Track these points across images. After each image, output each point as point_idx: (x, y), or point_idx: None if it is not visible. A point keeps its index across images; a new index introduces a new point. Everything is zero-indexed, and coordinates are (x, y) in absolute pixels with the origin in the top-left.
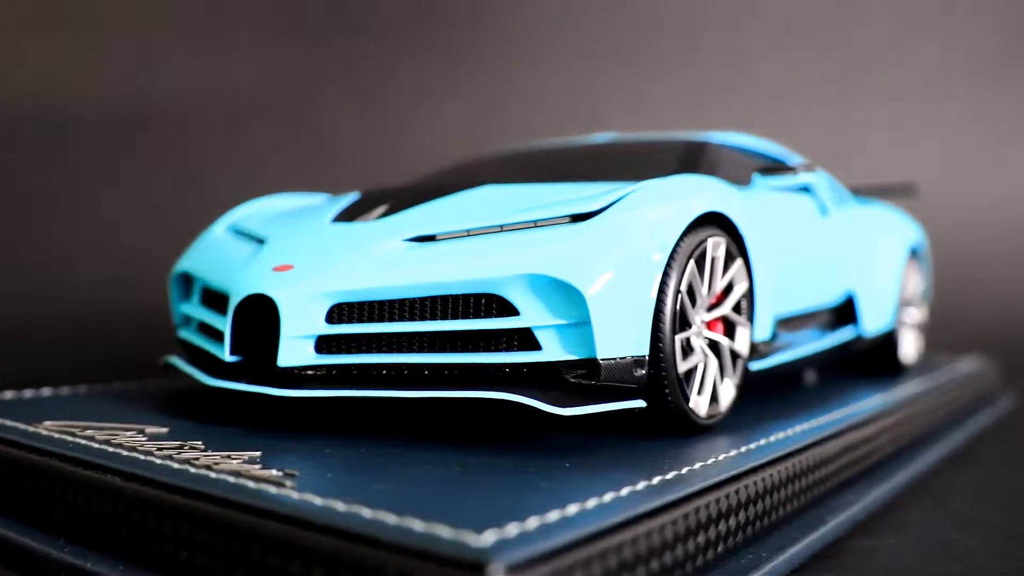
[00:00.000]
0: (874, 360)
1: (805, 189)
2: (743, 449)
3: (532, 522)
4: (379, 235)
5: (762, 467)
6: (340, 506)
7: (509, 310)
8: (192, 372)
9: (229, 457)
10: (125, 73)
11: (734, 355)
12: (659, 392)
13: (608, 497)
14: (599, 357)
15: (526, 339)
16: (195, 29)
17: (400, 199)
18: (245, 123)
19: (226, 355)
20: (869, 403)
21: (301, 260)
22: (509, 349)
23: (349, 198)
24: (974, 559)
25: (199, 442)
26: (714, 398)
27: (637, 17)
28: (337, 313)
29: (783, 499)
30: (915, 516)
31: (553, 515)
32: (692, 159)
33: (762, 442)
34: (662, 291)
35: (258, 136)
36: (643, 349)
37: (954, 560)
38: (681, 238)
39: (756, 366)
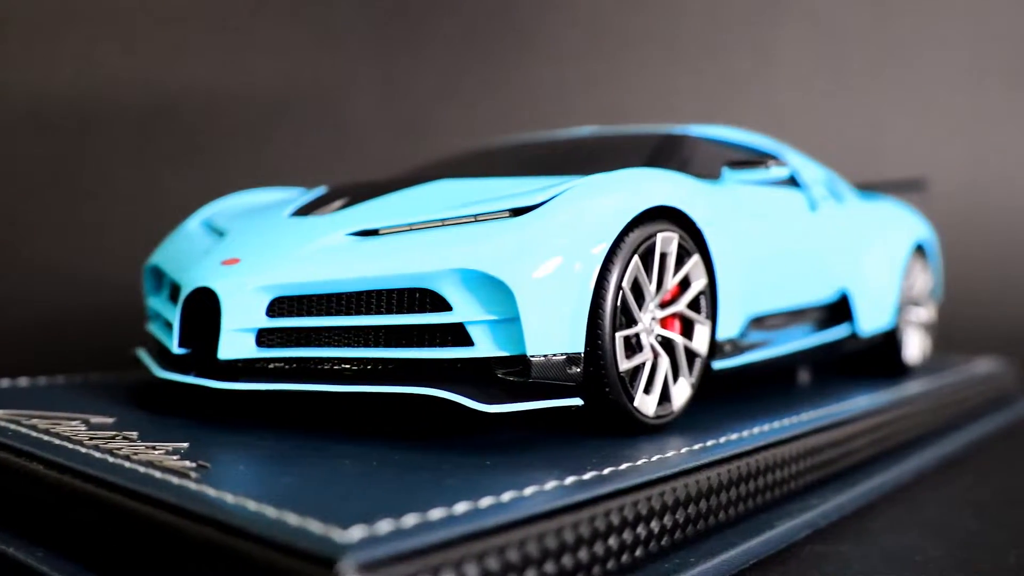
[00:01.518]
0: (876, 360)
1: (794, 183)
2: (684, 450)
3: (409, 519)
4: (325, 229)
5: (698, 469)
6: (229, 498)
7: (443, 305)
8: (148, 364)
9: (153, 448)
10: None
11: (691, 354)
12: (599, 391)
13: (507, 496)
14: (529, 354)
15: (459, 335)
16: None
17: (358, 193)
18: (272, 119)
19: (174, 347)
20: (848, 405)
21: (248, 254)
22: (443, 345)
23: (315, 193)
24: (929, 569)
25: (135, 432)
26: (666, 398)
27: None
28: (278, 306)
29: (725, 502)
30: (883, 523)
31: (436, 513)
32: (664, 152)
33: (709, 443)
34: (602, 287)
35: (285, 133)
36: (578, 346)
37: (905, 569)
38: (625, 233)
39: (721, 365)
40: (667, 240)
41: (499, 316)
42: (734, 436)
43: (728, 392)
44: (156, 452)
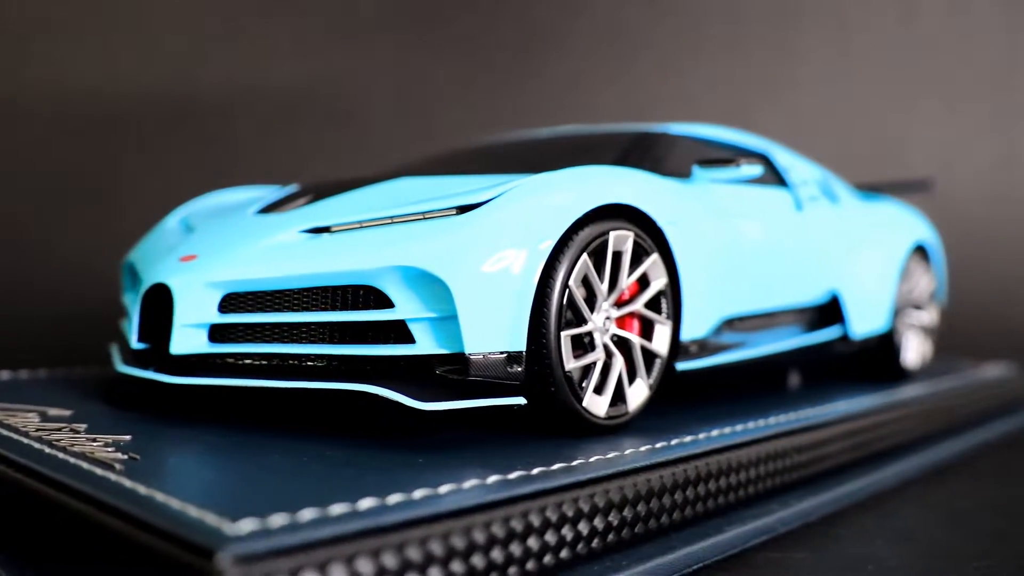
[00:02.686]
0: (872, 364)
1: (783, 183)
2: (628, 451)
3: (306, 514)
4: (280, 226)
5: (637, 471)
6: (141, 490)
7: (386, 302)
8: (113, 359)
9: (94, 440)
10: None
11: (650, 354)
12: (544, 390)
13: (418, 494)
14: (468, 352)
15: (401, 332)
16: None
17: (322, 191)
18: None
19: (133, 342)
20: (824, 409)
21: (205, 250)
22: (386, 342)
23: (284, 191)
24: None
25: (83, 425)
26: (621, 399)
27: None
28: (231, 303)
29: (669, 505)
30: (849, 531)
31: (337, 508)
32: (636, 150)
33: (659, 445)
34: (547, 285)
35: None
36: (519, 344)
37: None
38: (574, 230)
39: (686, 366)
40: (621, 238)
41: (439, 313)
42: (687, 439)
43: (705, 393)
44: (94, 444)
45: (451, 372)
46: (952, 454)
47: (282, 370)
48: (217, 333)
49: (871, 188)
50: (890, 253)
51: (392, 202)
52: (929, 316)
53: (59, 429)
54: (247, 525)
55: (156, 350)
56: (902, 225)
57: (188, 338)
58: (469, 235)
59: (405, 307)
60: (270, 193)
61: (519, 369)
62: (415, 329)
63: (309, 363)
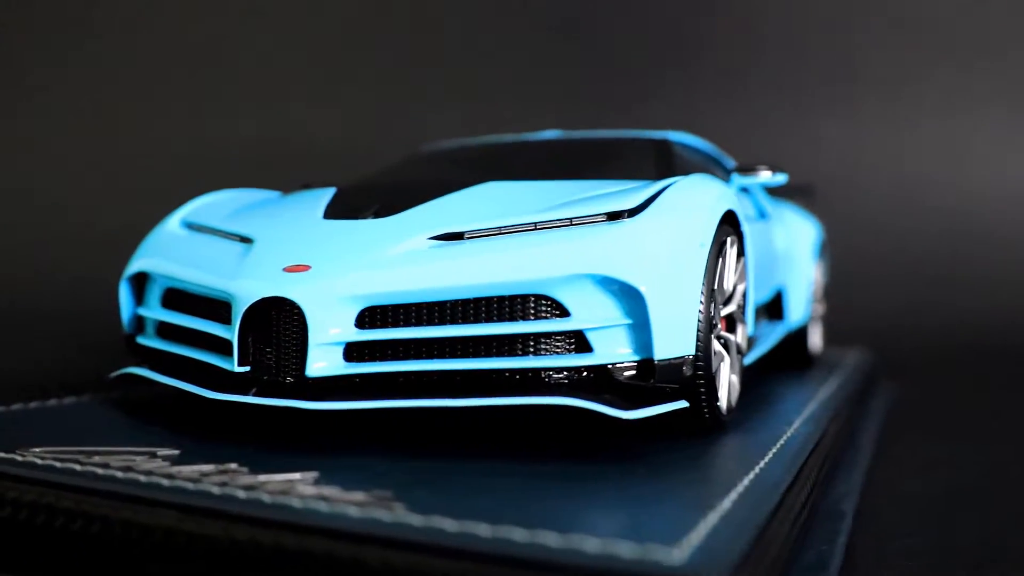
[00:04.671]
0: (787, 352)
1: (744, 190)
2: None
3: (696, 536)
4: (399, 233)
5: None
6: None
7: (558, 311)
8: (182, 386)
9: (290, 481)
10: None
11: (738, 351)
12: (696, 392)
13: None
14: (657, 358)
15: (577, 341)
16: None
17: (392, 196)
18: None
19: (235, 366)
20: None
21: (318, 260)
22: (557, 352)
23: (325, 193)
24: None
25: (231, 464)
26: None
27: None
28: (369, 317)
29: None
30: None
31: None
32: (665, 158)
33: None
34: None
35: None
36: (691, 348)
37: None
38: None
39: (747, 362)
40: (732, 243)
41: (621, 320)
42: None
43: None
44: (300, 484)
45: (633, 379)
46: None
47: (440, 388)
48: (353, 352)
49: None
50: (807, 251)
51: (511, 208)
52: (823, 306)
53: (221, 471)
54: (681, 553)
55: (264, 373)
56: (808, 225)
57: (324, 358)
58: (645, 240)
59: (583, 315)
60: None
61: (690, 373)
62: (592, 337)
63: (458, 379)
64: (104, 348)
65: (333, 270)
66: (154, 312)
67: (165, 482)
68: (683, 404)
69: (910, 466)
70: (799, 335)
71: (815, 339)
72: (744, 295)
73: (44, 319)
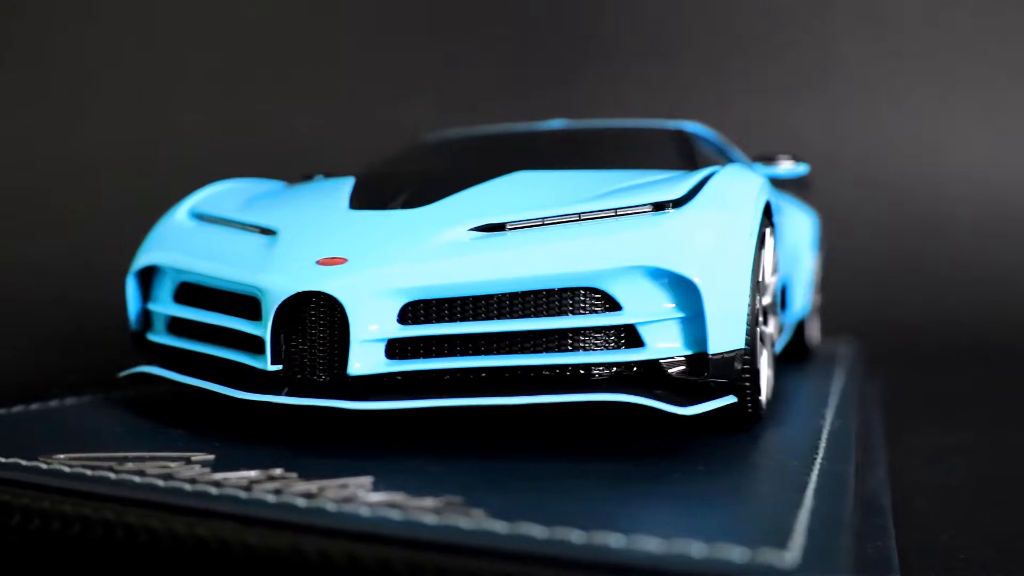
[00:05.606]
0: (787, 344)
1: None
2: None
3: (798, 539)
4: (437, 224)
5: None
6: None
7: (608, 305)
8: (207, 386)
9: (344, 486)
10: None
11: (771, 343)
12: (743, 386)
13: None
14: (711, 352)
15: (627, 336)
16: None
17: (420, 186)
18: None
19: (268, 364)
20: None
21: (353, 252)
22: (606, 347)
23: (343, 182)
24: None
25: (275, 469)
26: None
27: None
28: (411, 312)
29: None
30: None
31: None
32: (686, 148)
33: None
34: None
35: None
36: (741, 342)
37: None
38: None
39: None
40: (770, 234)
41: (672, 314)
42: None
43: None
44: (353, 489)
45: (685, 374)
46: None
47: (488, 385)
48: (395, 348)
49: None
50: (807, 242)
51: (549, 198)
52: (819, 299)
53: (267, 478)
54: (793, 555)
55: (297, 371)
56: (807, 217)
57: (367, 355)
58: (697, 232)
59: (635, 309)
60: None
61: (740, 367)
62: (644, 332)
63: (507, 375)
64: (72, 342)
65: (372, 262)
66: (166, 307)
67: (213, 490)
68: (732, 399)
69: (924, 457)
70: (799, 326)
71: (813, 330)
72: (775, 287)
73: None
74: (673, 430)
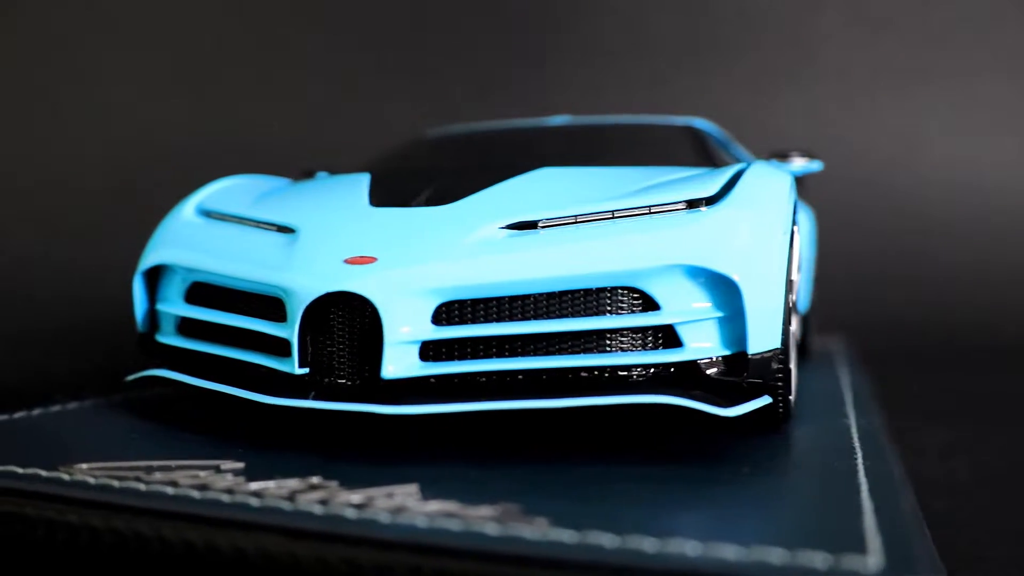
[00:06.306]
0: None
1: None
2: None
3: (873, 535)
4: (467, 221)
5: None
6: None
7: (646, 304)
8: (229, 391)
9: (391, 495)
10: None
11: (796, 342)
12: (775, 386)
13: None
14: (750, 352)
15: (665, 336)
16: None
17: (442, 182)
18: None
19: (295, 367)
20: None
21: (383, 250)
22: (643, 348)
23: (358, 179)
24: None
25: (313, 477)
26: None
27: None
28: (446, 313)
29: None
30: None
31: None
32: (701, 145)
33: None
34: None
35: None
36: (778, 341)
37: None
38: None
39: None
40: (796, 232)
41: (711, 314)
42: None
43: None
44: (408, 498)
45: (724, 375)
46: None
47: (527, 388)
48: (429, 350)
49: None
50: (807, 239)
51: (580, 195)
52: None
53: (309, 488)
54: (876, 559)
55: (322, 374)
56: (804, 214)
57: (400, 358)
58: (735, 229)
59: (674, 308)
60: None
61: (777, 367)
62: (682, 332)
63: (544, 377)
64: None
65: (404, 261)
66: (178, 308)
67: (254, 501)
68: (768, 400)
69: (932, 453)
70: (803, 324)
71: (812, 327)
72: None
73: None
74: (700, 430)
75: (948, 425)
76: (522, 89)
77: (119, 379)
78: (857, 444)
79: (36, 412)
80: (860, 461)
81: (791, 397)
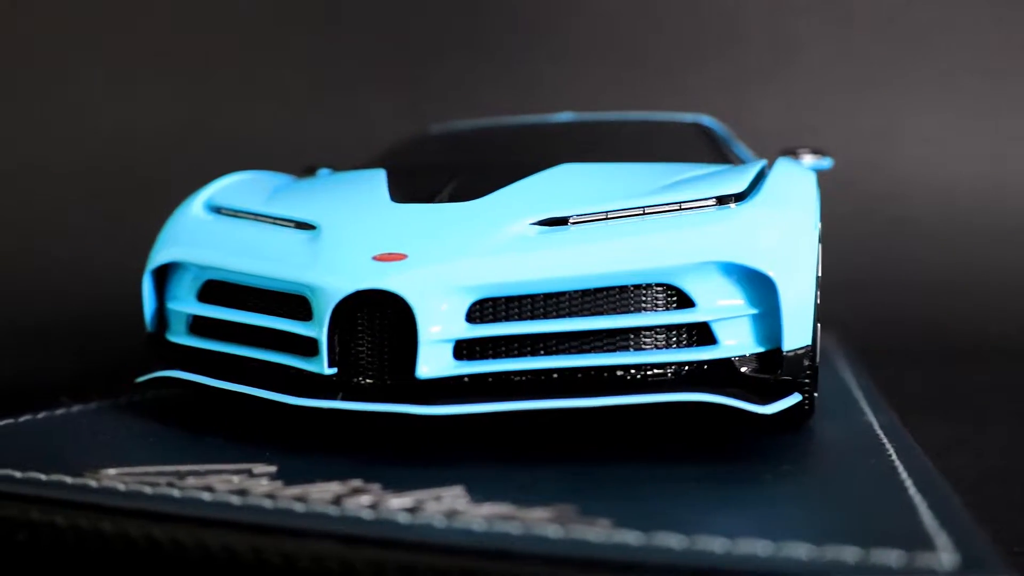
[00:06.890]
0: None
1: None
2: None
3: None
4: (496, 217)
5: None
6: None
7: (681, 301)
8: (253, 392)
9: (439, 498)
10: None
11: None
12: (803, 383)
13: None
14: (785, 349)
15: (699, 333)
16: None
17: (464, 178)
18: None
19: (324, 367)
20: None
21: (413, 247)
22: (679, 345)
23: (374, 174)
24: None
25: (354, 481)
26: None
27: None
28: (479, 311)
29: None
30: None
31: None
32: (712, 141)
33: None
34: None
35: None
36: (809, 338)
37: None
38: None
39: None
40: (820, 227)
41: (746, 310)
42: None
43: None
44: (456, 500)
45: (757, 372)
46: None
47: (563, 387)
48: (463, 349)
49: None
50: None
51: (606, 192)
52: None
53: (355, 491)
54: (951, 557)
55: (351, 375)
56: None
57: (435, 357)
58: (769, 226)
59: (709, 306)
60: (353, 176)
61: (808, 364)
62: (717, 329)
63: (580, 376)
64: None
65: (436, 258)
66: (192, 307)
67: (299, 507)
68: (799, 397)
69: (934, 449)
70: None
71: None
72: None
73: None
74: (723, 428)
75: (945, 420)
76: (493, 89)
77: (119, 379)
78: (886, 442)
79: (41, 415)
80: (894, 458)
81: (816, 394)
